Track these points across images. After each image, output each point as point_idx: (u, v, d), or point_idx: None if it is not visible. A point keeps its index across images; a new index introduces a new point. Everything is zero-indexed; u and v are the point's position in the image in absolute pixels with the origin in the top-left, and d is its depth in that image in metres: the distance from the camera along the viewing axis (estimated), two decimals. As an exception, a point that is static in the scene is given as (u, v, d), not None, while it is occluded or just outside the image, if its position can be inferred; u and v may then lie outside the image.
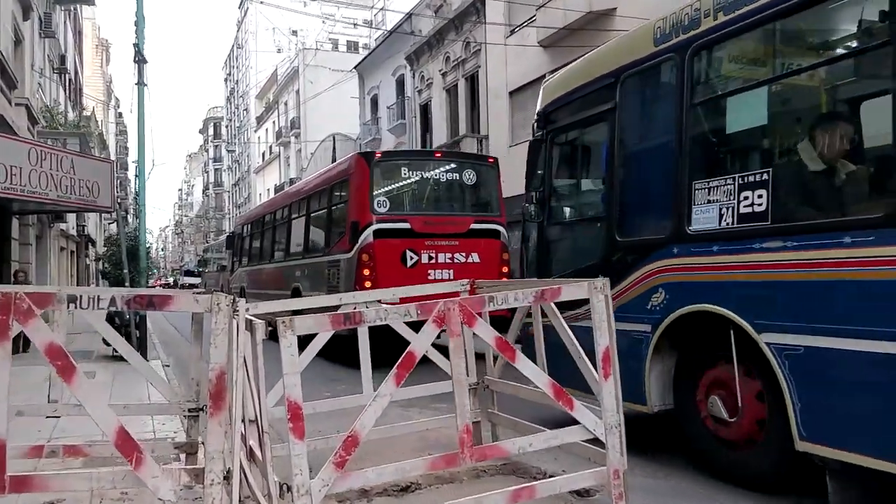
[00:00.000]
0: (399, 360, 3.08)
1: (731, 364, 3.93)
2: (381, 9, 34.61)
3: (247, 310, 3.14)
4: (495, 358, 4.74)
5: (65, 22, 24.69)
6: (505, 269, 10.51)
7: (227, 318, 2.77)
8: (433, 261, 10.00)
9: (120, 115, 54.35)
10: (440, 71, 26.29)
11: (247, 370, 3.17)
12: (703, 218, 4.13)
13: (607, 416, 3.39)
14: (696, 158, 4.31)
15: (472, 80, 24.37)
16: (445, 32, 25.59)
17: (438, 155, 12.60)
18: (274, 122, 56.16)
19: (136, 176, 33.16)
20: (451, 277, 9.70)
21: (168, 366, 10.27)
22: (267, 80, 59.24)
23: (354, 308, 4.72)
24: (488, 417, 4.88)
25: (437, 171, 10.92)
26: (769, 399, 3.77)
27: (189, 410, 4.26)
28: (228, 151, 75.60)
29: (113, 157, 32.28)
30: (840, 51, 3.99)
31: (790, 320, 3.52)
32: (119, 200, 15.24)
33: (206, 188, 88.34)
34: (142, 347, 10.52)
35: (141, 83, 11.23)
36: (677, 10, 4.46)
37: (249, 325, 3.10)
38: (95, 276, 35.72)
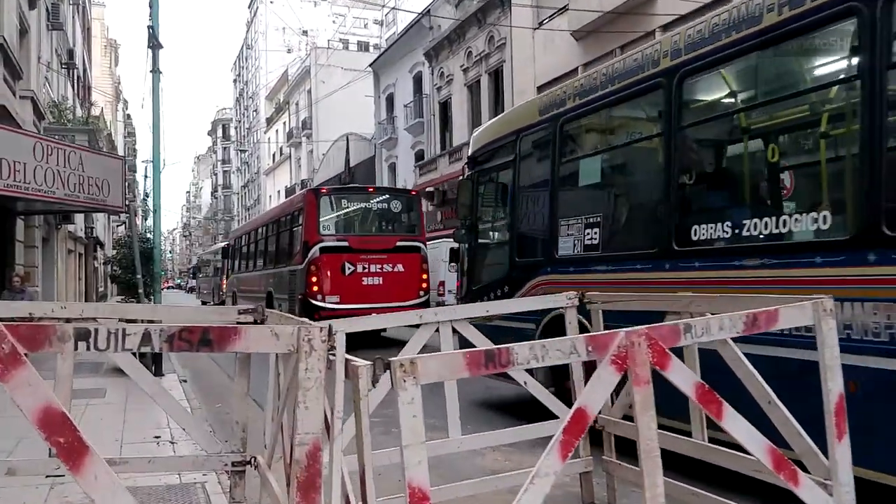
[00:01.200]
0: (565, 423, 2.08)
1: None
2: (394, 6, 33.57)
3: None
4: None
5: (73, 16, 23.81)
6: (424, 276, 13.10)
7: (323, 364, 1.77)
8: (366, 270, 12.60)
9: (128, 116, 53.55)
10: (461, 67, 25.24)
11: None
12: (565, 247, 5.75)
13: (841, 493, 2.38)
14: (561, 203, 5.94)
15: (496, 76, 23.31)
16: (467, 26, 24.54)
17: (371, 189, 16.66)
18: (285, 122, 55.20)
19: (146, 176, 32.26)
20: (381, 283, 12.64)
21: (185, 381, 9.31)
22: (277, 80, 58.28)
23: (438, 327, 3.75)
24: (604, 467, 3.88)
25: (370, 201, 13.99)
26: None
27: (233, 464, 3.26)
28: (240, 151, 74.49)
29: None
30: (637, 135, 5.56)
31: (611, 320, 4.15)
32: (128, 202, 14.33)
33: (214, 190, 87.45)
34: (156, 360, 9.53)
35: (156, 70, 10.25)
36: (555, 89, 6.08)
37: (347, 369, 2.10)
38: (104, 280, 34.85)
